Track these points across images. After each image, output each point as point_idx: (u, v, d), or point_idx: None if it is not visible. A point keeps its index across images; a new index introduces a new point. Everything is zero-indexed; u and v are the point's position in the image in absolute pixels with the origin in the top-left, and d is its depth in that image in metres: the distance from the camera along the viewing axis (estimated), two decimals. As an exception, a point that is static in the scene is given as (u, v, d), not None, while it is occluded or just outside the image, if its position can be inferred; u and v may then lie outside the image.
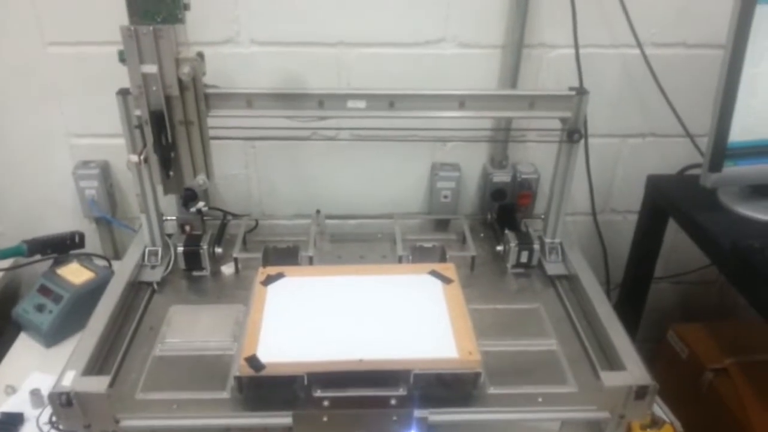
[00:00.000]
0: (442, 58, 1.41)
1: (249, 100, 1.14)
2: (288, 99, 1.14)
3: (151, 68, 1.02)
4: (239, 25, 1.36)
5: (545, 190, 1.49)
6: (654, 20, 1.40)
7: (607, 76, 1.46)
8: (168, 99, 1.05)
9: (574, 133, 1.18)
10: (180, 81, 1.04)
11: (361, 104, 1.14)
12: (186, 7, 1.02)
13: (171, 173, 1.12)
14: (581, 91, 1.17)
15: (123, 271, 1.23)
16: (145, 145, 1.10)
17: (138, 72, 1.03)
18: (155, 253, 1.29)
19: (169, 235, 1.37)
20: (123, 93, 1.12)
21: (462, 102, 1.15)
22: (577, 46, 1.38)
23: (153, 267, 1.28)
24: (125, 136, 1.15)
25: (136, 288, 1.23)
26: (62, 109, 1.44)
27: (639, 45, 1.39)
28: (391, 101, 1.14)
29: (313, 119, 1.17)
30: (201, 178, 1.13)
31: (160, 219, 1.28)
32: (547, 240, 1.32)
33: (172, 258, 1.29)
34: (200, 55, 1.09)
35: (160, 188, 1.15)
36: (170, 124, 1.07)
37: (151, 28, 0.99)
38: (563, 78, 1.42)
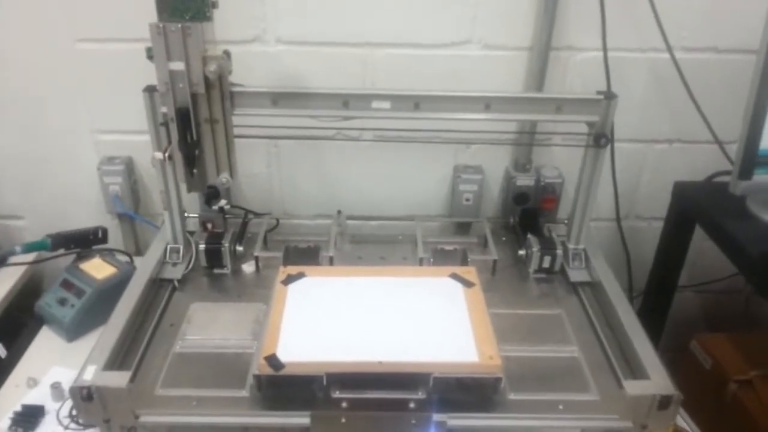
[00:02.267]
0: (468, 59, 1.40)
1: (274, 99, 1.13)
2: (312, 98, 1.14)
3: (178, 65, 1.03)
4: (266, 23, 1.36)
5: (569, 194, 1.48)
6: (684, 24, 1.38)
7: (635, 80, 1.44)
8: (194, 96, 1.06)
9: (601, 138, 1.16)
10: (206, 79, 1.04)
11: (386, 105, 1.13)
12: (214, 5, 1.02)
13: (195, 171, 1.12)
14: (609, 96, 1.15)
15: (145, 267, 1.24)
16: (170, 143, 1.10)
17: (165, 69, 1.03)
18: (177, 251, 1.29)
19: (191, 233, 1.38)
20: (149, 90, 1.13)
21: (488, 104, 1.14)
22: (605, 50, 1.36)
23: (174, 264, 1.28)
24: (150, 133, 1.16)
25: (157, 284, 1.24)
26: (88, 105, 1.45)
27: (669, 49, 1.36)
28: (416, 102, 1.13)
29: (338, 119, 1.16)
30: (224, 177, 1.14)
31: (183, 217, 1.28)
32: (571, 246, 1.30)
33: (194, 255, 1.30)
34: (227, 54, 1.09)
35: (183, 186, 1.16)
36: (195, 121, 1.08)
37: (179, 25, 1.00)
38: (590, 81, 1.40)
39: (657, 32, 1.35)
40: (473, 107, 1.14)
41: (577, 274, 1.28)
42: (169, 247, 1.29)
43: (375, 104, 1.13)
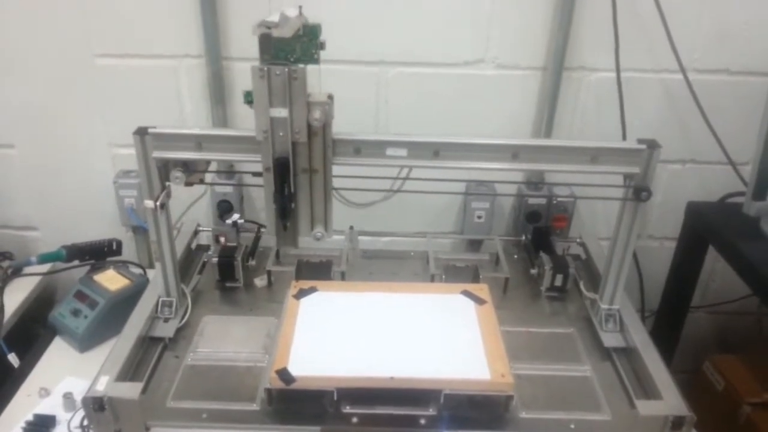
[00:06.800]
0: (481, 78, 1.41)
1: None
2: None
3: (281, 112, 0.93)
4: (281, 41, 1.37)
5: (581, 212, 1.48)
6: (697, 45, 1.38)
7: (648, 100, 1.44)
8: (294, 145, 0.97)
9: (642, 191, 1.02)
10: (309, 126, 0.95)
11: (402, 152, 1.02)
12: (322, 46, 0.93)
13: (287, 224, 1.03)
14: (653, 145, 1.01)
15: (157, 282, 1.24)
16: (163, 189, 1.04)
17: (266, 116, 0.94)
18: (169, 305, 1.16)
19: (204, 246, 1.38)
20: (141, 133, 1.00)
21: (515, 153, 1.02)
22: (618, 70, 1.37)
23: (166, 320, 1.15)
24: (141, 179, 1.05)
25: (146, 344, 1.14)
26: (105, 118, 1.47)
27: (682, 70, 1.37)
28: (436, 150, 1.02)
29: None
30: (319, 232, 1.04)
31: (176, 267, 1.17)
32: (604, 306, 1.17)
33: (189, 308, 1.19)
34: (331, 98, 0.97)
35: (176, 234, 1.08)
36: (293, 171, 0.99)
37: (285, 69, 0.91)
38: (603, 101, 1.41)
39: (670, 53, 1.36)
40: (499, 156, 1.02)
41: (610, 338, 1.14)
42: (160, 300, 1.17)
43: (389, 151, 1.02)
